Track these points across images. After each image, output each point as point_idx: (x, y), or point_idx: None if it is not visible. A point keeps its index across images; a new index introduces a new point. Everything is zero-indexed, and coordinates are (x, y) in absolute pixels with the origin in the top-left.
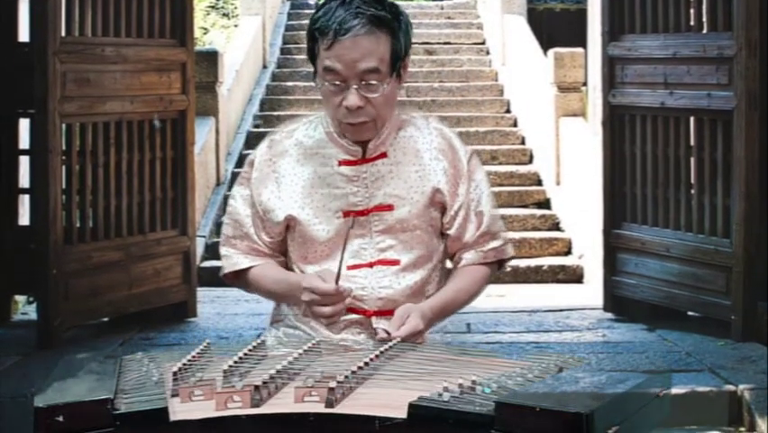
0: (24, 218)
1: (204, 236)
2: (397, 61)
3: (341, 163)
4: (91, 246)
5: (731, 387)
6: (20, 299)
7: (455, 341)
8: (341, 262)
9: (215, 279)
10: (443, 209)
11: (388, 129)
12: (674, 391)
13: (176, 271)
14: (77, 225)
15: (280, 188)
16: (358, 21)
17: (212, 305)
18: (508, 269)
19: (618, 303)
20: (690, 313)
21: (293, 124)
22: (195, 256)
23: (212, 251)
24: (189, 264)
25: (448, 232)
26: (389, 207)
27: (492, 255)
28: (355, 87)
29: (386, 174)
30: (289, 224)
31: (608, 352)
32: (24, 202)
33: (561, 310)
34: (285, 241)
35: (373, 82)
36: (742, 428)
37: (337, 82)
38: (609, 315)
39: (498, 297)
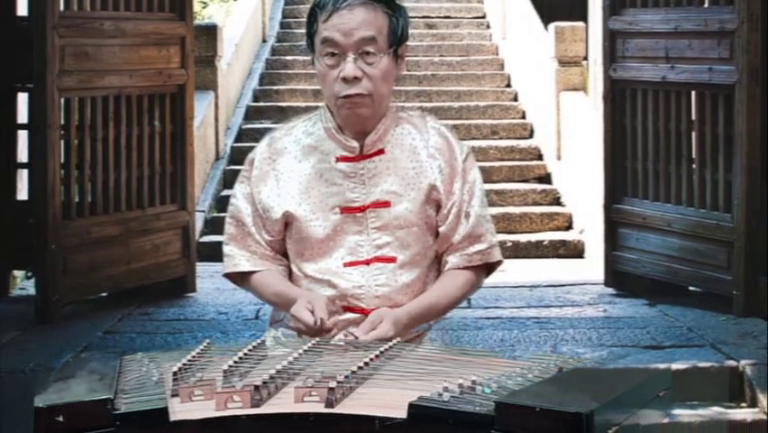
0: (23, 193)
1: (203, 211)
2: (395, 38)
3: (338, 160)
4: (90, 221)
5: (732, 362)
6: (18, 273)
7: (455, 316)
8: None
9: (215, 254)
10: (439, 207)
11: (385, 125)
12: (675, 366)
13: (175, 245)
14: (76, 199)
15: (279, 185)
16: None
17: (211, 280)
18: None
19: (619, 278)
20: (691, 288)
21: (293, 121)
22: (194, 231)
23: (211, 226)
24: (188, 239)
25: (440, 229)
26: (386, 204)
27: (477, 259)
28: (353, 56)
29: (383, 171)
30: (287, 221)
31: (608, 327)
32: (23, 177)
33: (561, 285)
34: (285, 240)
35: (371, 50)
36: (743, 404)
37: (335, 52)
38: (610, 290)
39: (499, 272)
